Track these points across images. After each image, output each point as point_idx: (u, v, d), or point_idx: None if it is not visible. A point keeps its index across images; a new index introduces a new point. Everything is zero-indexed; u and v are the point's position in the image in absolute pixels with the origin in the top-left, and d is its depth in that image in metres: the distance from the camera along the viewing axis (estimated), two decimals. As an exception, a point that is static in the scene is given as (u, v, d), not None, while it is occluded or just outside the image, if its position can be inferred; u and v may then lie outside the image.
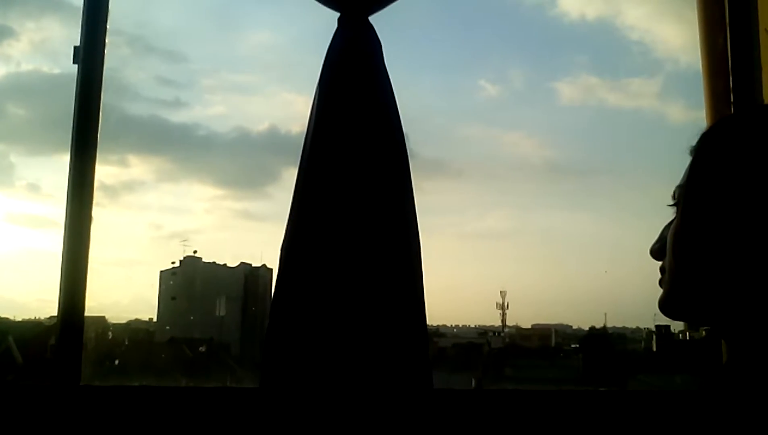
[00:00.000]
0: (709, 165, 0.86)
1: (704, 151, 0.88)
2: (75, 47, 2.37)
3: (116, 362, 4.06)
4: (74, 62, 2.36)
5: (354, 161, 2.06)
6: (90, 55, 2.34)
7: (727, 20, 2.51)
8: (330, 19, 2.19)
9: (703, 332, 4.63)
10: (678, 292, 0.92)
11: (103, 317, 4.40)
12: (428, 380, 2.01)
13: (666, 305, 0.94)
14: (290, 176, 2.10)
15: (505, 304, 5.02)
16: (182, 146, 5.42)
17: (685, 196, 0.89)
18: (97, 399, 2.20)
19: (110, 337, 4.41)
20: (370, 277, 2.00)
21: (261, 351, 2.03)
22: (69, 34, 2.44)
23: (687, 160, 0.91)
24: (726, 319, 0.88)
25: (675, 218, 0.91)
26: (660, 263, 0.96)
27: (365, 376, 1.96)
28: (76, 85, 2.34)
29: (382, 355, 1.97)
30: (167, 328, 4.85)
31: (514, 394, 2.44)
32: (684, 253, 0.89)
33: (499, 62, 5.55)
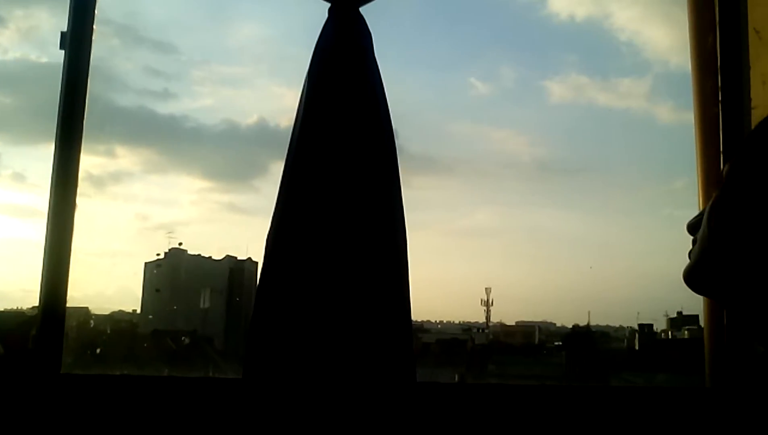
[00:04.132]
0: (760, 145, 0.87)
1: (759, 132, 0.89)
2: (62, 33, 2.35)
3: (98, 352, 4.03)
4: (61, 48, 2.34)
5: (342, 154, 2.04)
6: (77, 40, 2.32)
7: (717, 20, 2.53)
8: (320, 9, 2.18)
9: (686, 333, 4.66)
10: (705, 263, 0.93)
11: (87, 308, 4.38)
12: (411, 373, 2.01)
13: (691, 275, 0.95)
14: (278, 170, 2.09)
15: (490, 300, 5.03)
16: (170, 138, 5.39)
17: (729, 172, 0.90)
18: (77, 387, 2.19)
19: (92, 327, 4.38)
20: (356, 272, 1.99)
21: (245, 343, 2.02)
22: (57, 22, 2.42)
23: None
24: (748, 296, 0.89)
25: (716, 192, 0.93)
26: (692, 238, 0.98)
27: (349, 369, 1.95)
28: (63, 72, 2.32)
29: (366, 348, 1.96)
30: (150, 317, 4.84)
31: (496, 388, 2.45)
32: (718, 224, 0.90)
33: (489, 60, 5.56)
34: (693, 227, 0.97)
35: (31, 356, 2.21)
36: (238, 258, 5.09)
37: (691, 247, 0.97)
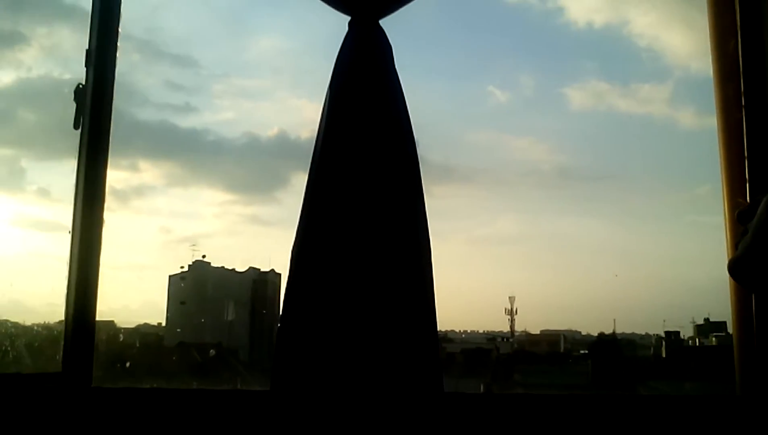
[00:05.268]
0: None
1: None
2: (87, 50, 2.38)
3: (125, 366, 4.06)
4: (86, 65, 2.38)
5: (365, 165, 2.06)
6: (102, 58, 2.36)
7: (739, 24, 2.51)
8: (341, 22, 2.20)
9: (713, 339, 4.61)
10: (756, 251, 0.91)
11: (112, 321, 4.42)
12: (439, 384, 2.01)
13: (739, 263, 0.94)
14: (299, 181, 2.11)
15: (514, 309, 5.02)
16: (192, 151, 5.45)
17: None
18: (108, 401, 2.21)
19: (118, 340, 4.43)
20: (382, 282, 2.00)
21: (272, 353, 2.03)
22: (80, 39, 2.46)
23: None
24: None
25: None
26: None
27: (376, 379, 1.95)
28: (88, 89, 2.35)
29: (393, 359, 1.96)
30: (178, 330, 4.87)
31: (524, 398, 2.43)
32: None
33: (507, 69, 5.56)
34: (743, 216, 0.95)
35: (62, 370, 2.23)
36: (262, 270, 5.11)
37: (741, 238, 0.95)
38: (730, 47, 2.54)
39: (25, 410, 2.13)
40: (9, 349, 2.84)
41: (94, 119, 2.34)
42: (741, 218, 0.96)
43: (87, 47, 2.40)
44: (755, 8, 2.51)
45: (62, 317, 2.29)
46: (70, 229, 2.30)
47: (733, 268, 0.95)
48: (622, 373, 4.95)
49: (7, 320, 3.23)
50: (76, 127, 2.34)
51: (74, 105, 2.36)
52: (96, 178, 2.31)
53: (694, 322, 4.88)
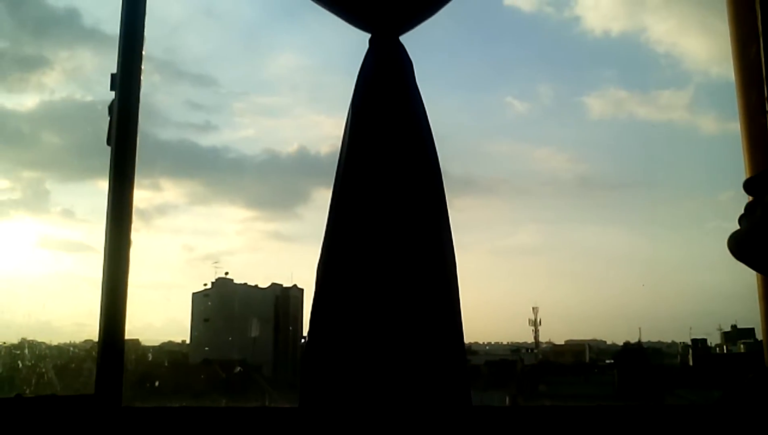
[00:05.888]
0: None
1: None
2: (112, 74, 2.41)
3: (151, 384, 4.09)
4: (111, 89, 2.41)
5: (389, 180, 2.07)
6: (127, 81, 2.39)
7: (760, 30, 2.50)
8: (360, 39, 2.22)
9: (742, 347, 4.55)
10: (763, 229, 0.86)
11: (137, 340, 4.45)
12: (467, 398, 2.01)
13: (744, 241, 0.88)
14: (320, 197, 2.13)
15: (538, 320, 5.00)
16: (213, 169, 5.52)
17: None
18: (139, 421, 2.22)
19: (147, 359, 4.46)
20: (409, 296, 2.01)
21: (296, 368, 2.04)
22: (101, 61, 2.49)
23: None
24: None
25: None
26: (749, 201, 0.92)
27: (404, 393, 1.96)
28: (114, 112, 2.38)
29: (420, 372, 1.97)
30: (206, 349, 4.90)
31: (551, 410, 2.42)
32: None
33: (526, 79, 5.59)
34: (751, 184, 0.89)
35: (95, 392, 2.25)
36: (284, 285, 5.13)
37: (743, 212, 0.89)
38: (751, 53, 2.53)
39: (60, 432, 2.16)
40: (45, 370, 2.87)
41: (120, 141, 2.37)
42: (749, 187, 0.90)
43: (111, 70, 2.43)
44: (776, 14, 2.50)
45: (87, 337, 2.31)
46: (105, 249, 2.33)
47: (739, 245, 0.88)
48: (649, 382, 4.90)
49: (35, 340, 3.27)
50: (109, 142, 2.37)
51: (100, 125, 2.39)
52: (123, 199, 2.33)
53: (720, 329, 4.83)
